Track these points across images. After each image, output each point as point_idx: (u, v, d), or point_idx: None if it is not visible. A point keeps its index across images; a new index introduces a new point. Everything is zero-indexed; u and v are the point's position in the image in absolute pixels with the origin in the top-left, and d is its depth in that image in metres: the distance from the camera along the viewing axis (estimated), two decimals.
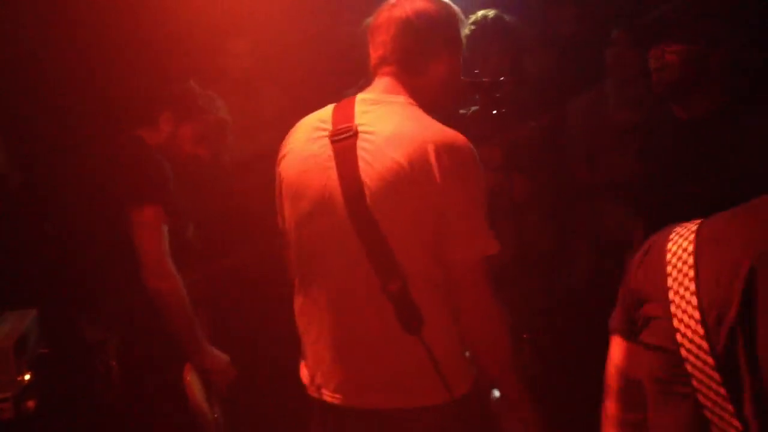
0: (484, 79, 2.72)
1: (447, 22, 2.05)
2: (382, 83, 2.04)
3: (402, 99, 1.99)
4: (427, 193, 1.85)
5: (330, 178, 1.93)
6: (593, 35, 3.87)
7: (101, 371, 2.71)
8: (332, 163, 1.93)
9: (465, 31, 2.10)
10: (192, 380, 2.69)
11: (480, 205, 1.92)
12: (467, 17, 3.50)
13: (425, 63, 2.02)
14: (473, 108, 3.15)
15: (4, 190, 3.27)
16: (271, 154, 3.54)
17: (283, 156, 2.09)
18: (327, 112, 2.04)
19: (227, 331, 3.16)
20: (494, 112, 2.68)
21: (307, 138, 2.03)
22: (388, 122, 1.93)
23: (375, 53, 2.06)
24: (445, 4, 2.07)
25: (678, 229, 1.29)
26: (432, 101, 2.04)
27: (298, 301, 2.11)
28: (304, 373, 2.12)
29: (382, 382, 1.97)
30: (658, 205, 2.77)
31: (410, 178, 1.85)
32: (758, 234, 1.18)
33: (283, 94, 4.17)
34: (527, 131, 3.18)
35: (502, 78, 2.73)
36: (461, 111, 3.15)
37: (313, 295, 2.04)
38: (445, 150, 1.86)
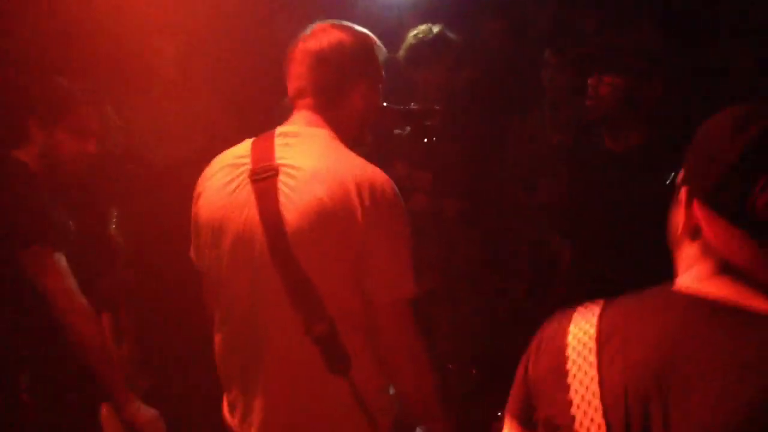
0: (414, 107, 2.74)
1: (363, 53, 2.01)
2: (302, 116, 1.99)
3: (324, 132, 1.96)
4: (350, 233, 1.82)
5: (250, 217, 1.88)
6: (526, 51, 3.89)
7: (11, 403, 2.60)
8: (252, 202, 1.88)
9: (382, 58, 2.06)
10: (109, 416, 2.61)
11: (403, 245, 1.89)
12: (411, 29, 3.54)
13: (342, 95, 1.99)
14: (408, 129, 3.17)
15: None
16: (204, 158, 3.52)
17: (199, 194, 2.03)
18: (245, 148, 1.99)
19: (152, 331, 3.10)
20: (425, 140, 2.70)
21: (225, 176, 1.96)
22: (310, 157, 1.89)
23: (292, 85, 2.02)
24: (362, 35, 2.04)
25: (578, 316, 1.23)
26: (352, 132, 2.02)
27: (218, 340, 2.06)
28: (227, 413, 2.08)
29: (307, 423, 1.95)
30: (583, 231, 2.83)
31: (333, 217, 1.82)
32: (663, 338, 1.13)
33: (218, 98, 4.09)
34: (458, 154, 3.20)
35: (434, 107, 2.75)
36: (396, 131, 3.16)
37: (234, 337, 2.00)
38: (368, 188, 1.83)
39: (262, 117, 3.80)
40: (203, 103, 3.93)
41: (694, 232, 1.20)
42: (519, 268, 3.60)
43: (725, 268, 1.16)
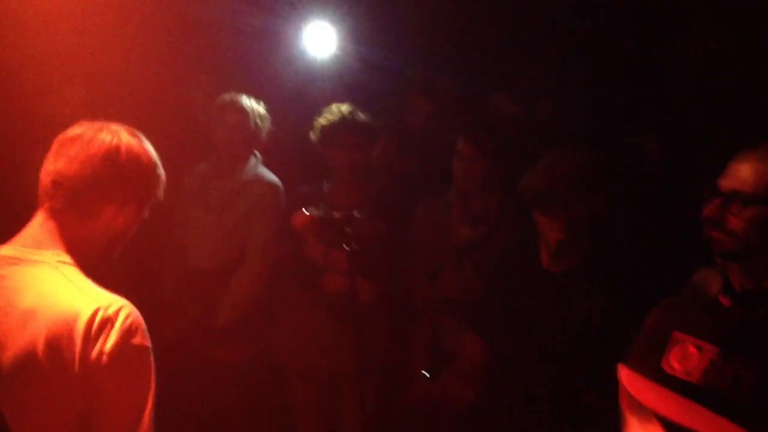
0: (336, 216, 2.70)
1: (146, 169, 1.82)
2: (34, 228, 1.74)
3: (52, 256, 1.69)
4: (68, 387, 1.57)
5: None
6: (445, 132, 3.89)
7: None
8: None
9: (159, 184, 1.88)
10: None
11: (139, 402, 1.62)
12: (324, 109, 3.52)
13: (97, 206, 1.76)
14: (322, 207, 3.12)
15: None
16: None
17: None
18: None
19: None
20: (345, 246, 2.65)
21: None
22: (26, 294, 1.63)
23: (48, 173, 1.76)
24: (149, 152, 1.86)
25: None
26: (92, 252, 1.78)
27: None
28: None
29: None
30: (499, 330, 2.79)
31: (46, 368, 1.56)
32: None
33: None
34: (374, 237, 3.14)
35: (353, 214, 2.71)
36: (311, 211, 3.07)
37: None
38: (97, 330, 1.58)
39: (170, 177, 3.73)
40: None
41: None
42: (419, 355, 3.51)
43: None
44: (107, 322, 1.60)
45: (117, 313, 1.62)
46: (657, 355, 1.40)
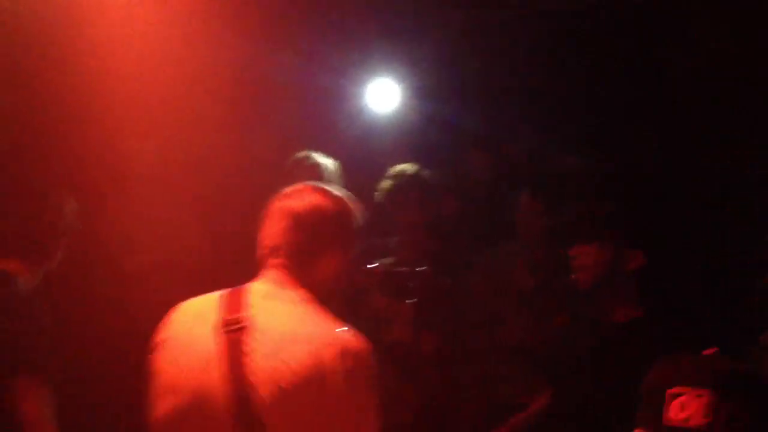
0: (400, 269, 2.77)
1: (339, 218, 2.02)
2: (274, 275, 1.97)
3: (296, 295, 1.93)
4: (320, 402, 1.75)
5: (213, 375, 1.79)
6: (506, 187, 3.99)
7: None
8: (217, 359, 1.80)
9: (359, 222, 2.06)
10: None
11: (373, 417, 1.84)
12: (389, 170, 3.62)
13: (315, 258, 1.98)
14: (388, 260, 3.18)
15: None
16: (169, 269, 3.41)
17: (160, 342, 1.94)
18: (213, 298, 1.94)
19: None
20: (408, 301, 2.73)
21: (190, 327, 1.90)
22: (281, 321, 1.84)
23: (265, 242, 2.01)
24: (340, 200, 2.05)
25: None
26: (325, 293, 1.98)
27: None
28: None
29: None
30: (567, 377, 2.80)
31: (303, 385, 1.75)
32: None
33: (188, 206, 4.03)
34: (438, 289, 3.21)
35: (420, 269, 2.78)
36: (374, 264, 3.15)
37: None
38: (343, 356, 1.78)
39: (228, 230, 3.87)
40: (174, 210, 3.89)
41: None
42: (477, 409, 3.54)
43: None
44: (349, 351, 1.80)
45: (357, 343, 1.84)
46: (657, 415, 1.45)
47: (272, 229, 1.99)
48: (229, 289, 1.95)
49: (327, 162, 3.77)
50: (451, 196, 3.97)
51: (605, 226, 2.62)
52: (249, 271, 2.01)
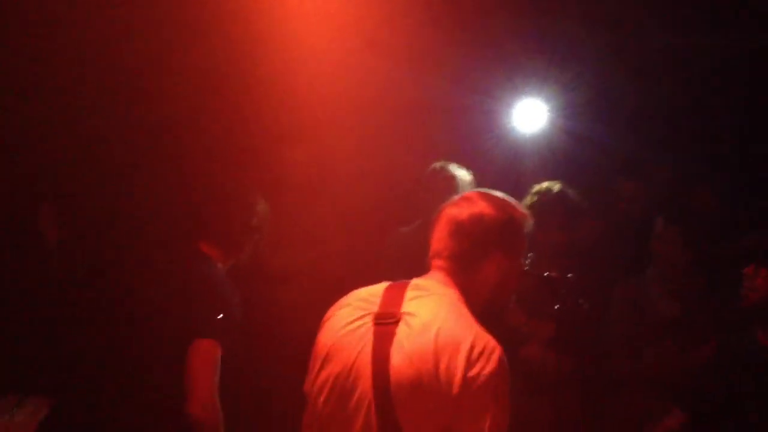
0: (552, 275, 2.78)
1: (504, 227, 2.08)
2: (435, 275, 2.07)
3: (452, 294, 2.01)
4: (447, 395, 1.83)
5: (362, 354, 1.94)
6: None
7: None
8: (368, 342, 1.94)
9: (527, 229, 2.12)
10: None
11: (496, 425, 1.84)
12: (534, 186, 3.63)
13: (477, 264, 2.05)
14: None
15: (43, 246, 3.38)
16: (311, 272, 3.56)
17: (327, 320, 2.11)
18: (379, 289, 2.07)
19: None
20: (556, 307, 2.73)
21: (353, 311, 2.04)
22: (431, 312, 1.94)
23: (432, 246, 2.11)
24: (506, 207, 2.11)
25: None
26: (483, 298, 2.06)
27: None
28: None
29: None
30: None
31: (434, 374, 1.84)
32: None
33: (333, 212, 4.17)
34: (580, 312, 3.18)
35: (569, 275, 2.78)
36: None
37: None
38: (476, 358, 1.84)
39: (371, 239, 3.99)
40: (319, 215, 4.04)
41: None
42: None
43: None
44: (484, 353, 1.85)
45: (493, 348, 1.88)
46: None
47: (437, 234, 2.09)
48: (394, 283, 2.07)
49: (462, 173, 3.80)
50: (591, 219, 3.93)
51: None
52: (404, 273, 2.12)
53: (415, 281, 2.06)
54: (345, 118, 4.12)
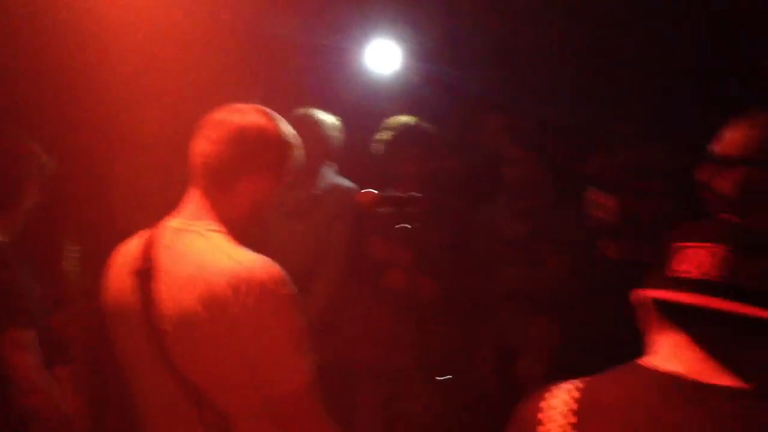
0: (397, 194, 2.80)
1: (273, 142, 2.00)
2: (191, 203, 2.00)
3: (205, 226, 1.94)
4: (230, 336, 1.81)
5: (132, 319, 1.93)
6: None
7: None
8: (134, 304, 1.92)
9: (294, 151, 2.06)
10: None
11: (293, 336, 1.86)
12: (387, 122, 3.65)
13: (236, 179, 1.97)
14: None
15: None
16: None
17: (104, 288, 2.07)
18: (137, 243, 2.02)
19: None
20: (404, 225, 2.77)
21: (117, 271, 2.02)
22: (185, 261, 1.88)
23: (194, 156, 2.00)
24: (278, 125, 2.03)
25: (552, 397, 1.30)
26: (238, 221, 1.99)
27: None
28: None
29: None
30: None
31: (208, 324, 1.81)
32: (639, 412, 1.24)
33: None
34: (437, 239, 3.24)
35: (415, 194, 2.81)
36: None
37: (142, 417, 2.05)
38: (245, 287, 1.80)
39: None
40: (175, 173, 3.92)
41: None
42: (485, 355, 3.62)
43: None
44: (253, 277, 1.81)
45: (261, 268, 1.84)
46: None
47: (202, 144, 1.98)
48: (148, 230, 2.02)
49: (328, 119, 3.78)
50: (454, 157, 3.98)
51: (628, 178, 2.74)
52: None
53: (169, 223, 1.99)
54: (195, 65, 3.96)
